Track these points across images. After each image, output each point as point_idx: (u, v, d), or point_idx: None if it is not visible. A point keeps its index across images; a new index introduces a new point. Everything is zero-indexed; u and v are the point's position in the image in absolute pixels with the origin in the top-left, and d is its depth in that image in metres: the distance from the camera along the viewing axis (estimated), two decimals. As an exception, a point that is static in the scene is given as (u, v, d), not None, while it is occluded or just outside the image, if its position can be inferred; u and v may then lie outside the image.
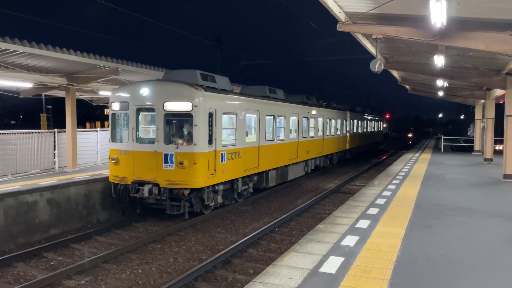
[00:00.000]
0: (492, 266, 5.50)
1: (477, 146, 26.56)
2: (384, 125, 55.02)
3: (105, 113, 59.49)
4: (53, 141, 14.30)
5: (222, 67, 30.36)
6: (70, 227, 11.11)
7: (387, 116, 69.73)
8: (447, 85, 18.38)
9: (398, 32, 9.42)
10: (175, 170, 10.69)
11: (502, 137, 14.43)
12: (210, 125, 11.18)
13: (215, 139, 11.36)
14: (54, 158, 14.34)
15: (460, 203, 9.68)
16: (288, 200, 15.13)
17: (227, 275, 7.81)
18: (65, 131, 14.47)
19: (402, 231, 7.05)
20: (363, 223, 7.56)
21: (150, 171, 10.92)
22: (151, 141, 11.13)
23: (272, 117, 15.39)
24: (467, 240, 6.69)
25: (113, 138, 11.88)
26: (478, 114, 26.83)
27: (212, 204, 11.78)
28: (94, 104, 19.87)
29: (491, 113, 20.90)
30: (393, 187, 11.88)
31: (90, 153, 16.26)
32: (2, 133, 12.51)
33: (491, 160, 19.72)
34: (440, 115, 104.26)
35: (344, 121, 26.88)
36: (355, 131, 30.22)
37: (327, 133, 22.93)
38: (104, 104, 18.06)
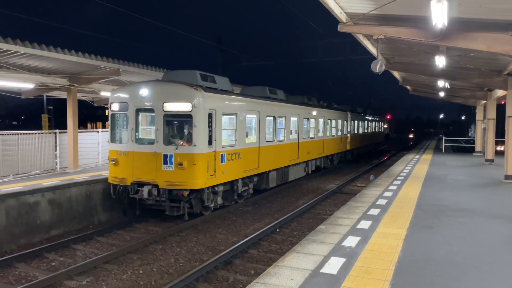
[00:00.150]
0: (493, 266, 5.50)
1: (478, 147, 26.50)
2: (385, 126, 54.91)
3: (106, 114, 59.37)
4: (55, 142, 14.33)
5: (222, 67, 30.41)
6: (71, 228, 11.12)
7: (388, 117, 69.56)
8: (448, 86, 18.36)
9: (399, 33, 9.42)
10: (175, 171, 10.66)
11: (503, 137, 14.42)
12: (210, 126, 11.16)
13: (215, 140, 11.34)
14: (56, 159, 14.37)
15: (461, 204, 9.68)
16: (289, 201, 15.13)
17: (228, 275, 7.82)
18: (66, 132, 14.50)
19: (403, 232, 7.04)
20: (364, 224, 7.56)
21: (149, 172, 10.89)
22: (151, 142, 11.10)
23: (272, 118, 15.37)
24: (468, 240, 6.69)
25: (113, 139, 11.84)
26: (479, 115, 26.77)
27: (212, 205, 11.76)
28: (95, 104, 19.95)
29: (492, 113, 20.84)
30: (394, 187, 11.88)
31: (91, 153, 16.29)
32: (3, 134, 12.54)
33: (492, 161, 19.69)
34: (441, 116, 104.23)
35: (345, 121, 26.85)
36: (356, 131, 30.19)
37: (328, 134, 22.92)
38: (105, 105, 18.03)
